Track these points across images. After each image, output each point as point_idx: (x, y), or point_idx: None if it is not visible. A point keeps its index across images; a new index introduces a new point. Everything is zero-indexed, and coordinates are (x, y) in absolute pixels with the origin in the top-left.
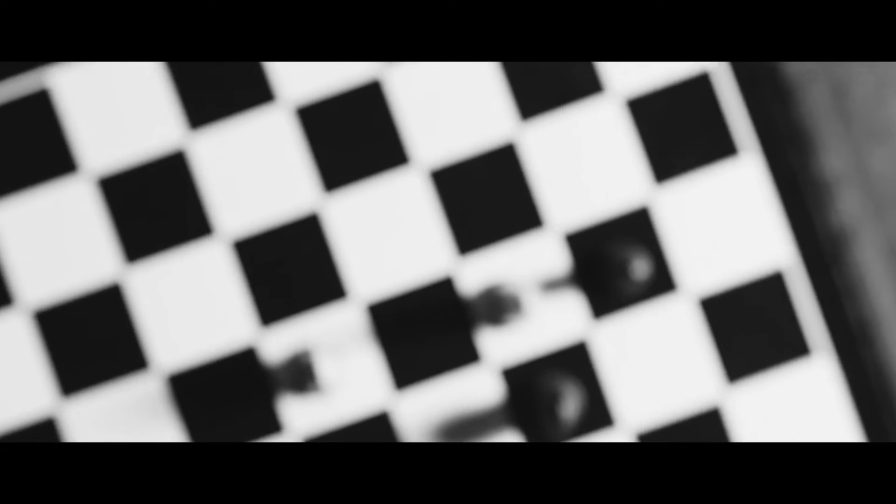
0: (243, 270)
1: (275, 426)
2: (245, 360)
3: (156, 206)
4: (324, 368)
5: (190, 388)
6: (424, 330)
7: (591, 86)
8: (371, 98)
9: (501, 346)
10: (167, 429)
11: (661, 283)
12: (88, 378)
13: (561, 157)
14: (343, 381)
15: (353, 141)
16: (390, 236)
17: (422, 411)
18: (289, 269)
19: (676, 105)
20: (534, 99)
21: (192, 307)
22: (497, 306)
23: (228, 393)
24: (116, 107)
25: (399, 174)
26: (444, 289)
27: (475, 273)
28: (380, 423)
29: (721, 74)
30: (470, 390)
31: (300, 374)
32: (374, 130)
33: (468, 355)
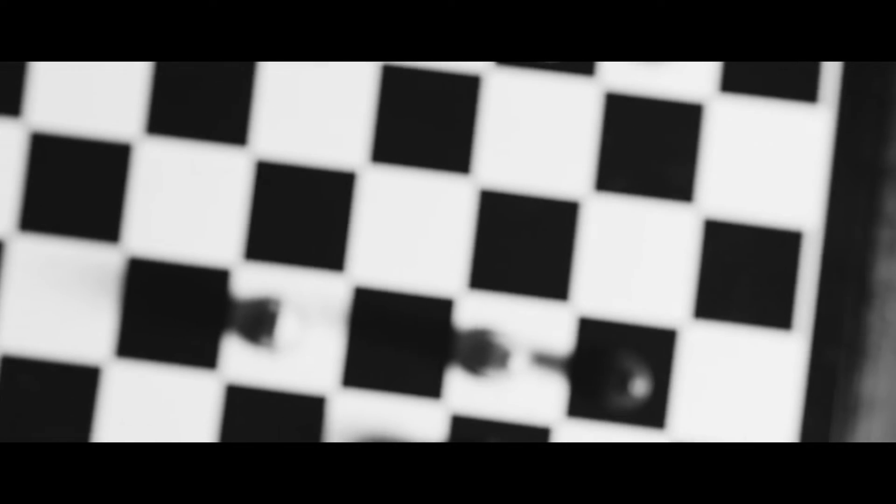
0: (254, 193)
1: (209, 360)
2: (213, 281)
3: (202, 90)
4: (285, 327)
5: (146, 280)
6: (400, 340)
7: (682, 191)
8: (463, 90)
9: (465, 394)
10: (103, 308)
11: (651, 412)
12: (53, 222)
13: (616, 243)
14: (297, 348)
15: (423, 123)
16: (412, 233)
17: (356, 417)
18: (300, 214)
19: (755, 248)
20: (619, 173)
21: (188, 204)
22: (482, 353)
23: (180, 305)
24: None
25: (452, 178)
26: (439, 309)
27: (477, 311)
28: (310, 406)
29: (812, 241)
30: (413, 420)
31: (259, 322)
32: (449, 123)
33: (429, 386)
